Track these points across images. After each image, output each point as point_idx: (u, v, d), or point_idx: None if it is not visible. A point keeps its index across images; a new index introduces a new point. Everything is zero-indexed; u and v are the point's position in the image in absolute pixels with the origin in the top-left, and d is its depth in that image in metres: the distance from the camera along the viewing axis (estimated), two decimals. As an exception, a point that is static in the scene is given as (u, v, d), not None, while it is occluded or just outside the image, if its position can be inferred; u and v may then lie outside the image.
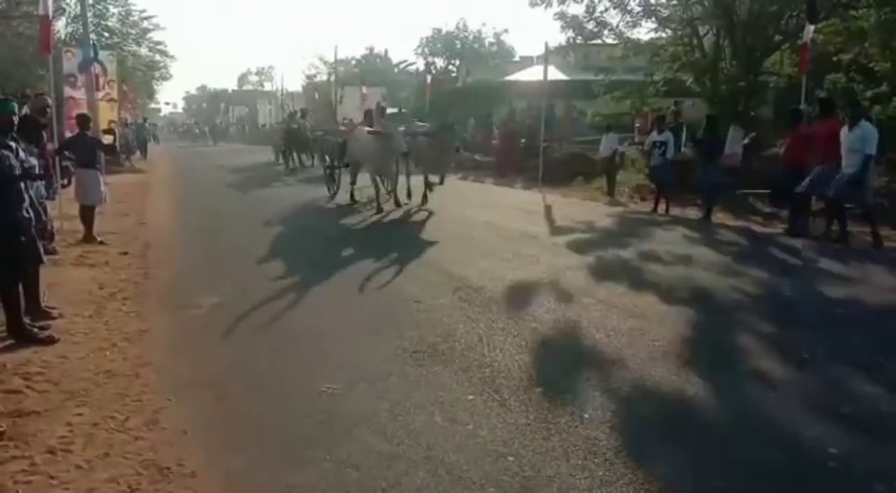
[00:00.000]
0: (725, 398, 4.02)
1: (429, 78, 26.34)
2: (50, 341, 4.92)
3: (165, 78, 35.80)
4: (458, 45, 49.16)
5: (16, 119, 5.21)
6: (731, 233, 10.08)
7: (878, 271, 7.40)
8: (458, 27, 49.87)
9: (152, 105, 55.60)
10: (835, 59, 14.68)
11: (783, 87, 15.63)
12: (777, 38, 15.65)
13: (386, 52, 57.33)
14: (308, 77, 57.68)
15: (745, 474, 3.17)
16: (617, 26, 17.72)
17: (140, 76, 32.19)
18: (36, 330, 5.02)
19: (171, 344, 5.06)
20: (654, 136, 12.59)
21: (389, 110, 17.62)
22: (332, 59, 45.19)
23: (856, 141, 8.66)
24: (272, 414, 3.84)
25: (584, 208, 12.96)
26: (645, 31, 18.36)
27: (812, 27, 12.33)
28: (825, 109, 9.87)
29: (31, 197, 5.12)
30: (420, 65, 45.60)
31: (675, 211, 12.05)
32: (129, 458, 3.31)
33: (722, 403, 3.97)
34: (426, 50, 49.20)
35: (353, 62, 55.14)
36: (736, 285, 6.71)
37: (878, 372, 4.38)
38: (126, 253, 8.28)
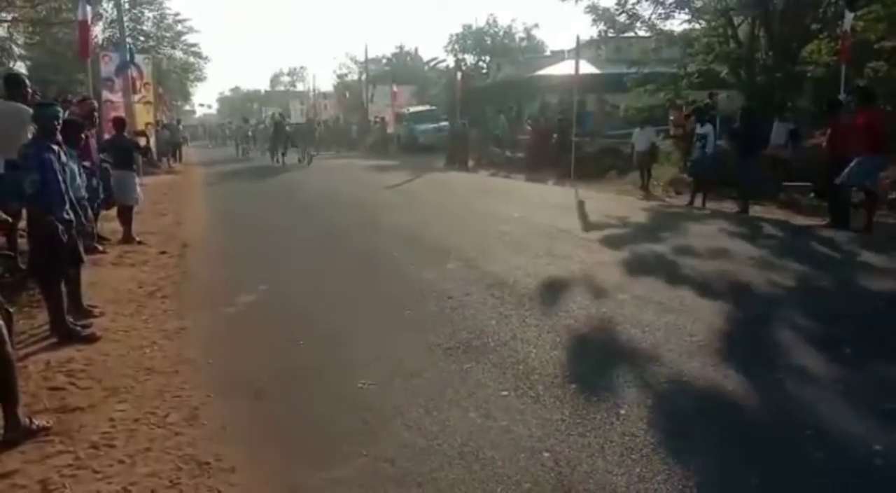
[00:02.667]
0: (763, 394, 3.94)
1: (459, 75, 26.23)
2: (92, 338, 5.03)
3: (200, 79, 36.43)
4: (489, 41, 48.98)
5: (59, 124, 5.32)
6: (770, 226, 9.89)
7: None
8: (488, 23, 49.70)
9: (187, 107, 56.34)
10: (876, 46, 14.31)
11: (821, 76, 15.29)
12: (815, 26, 15.30)
13: (416, 49, 57.47)
14: (339, 76, 58.04)
15: (785, 471, 3.11)
16: (649, 18, 17.53)
17: (175, 78, 32.74)
18: (79, 328, 5.15)
19: (210, 342, 5.14)
20: (698, 128, 12.37)
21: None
22: (362, 58, 45.35)
23: None
24: (309, 410, 3.88)
25: (619, 203, 12.83)
26: (678, 23, 18.13)
27: (851, 15, 12.04)
28: (865, 98, 9.62)
29: (71, 198, 5.24)
30: (450, 62, 45.48)
31: (712, 205, 11.86)
32: (170, 453, 3.38)
33: (760, 399, 3.90)
34: (456, 47, 49.13)
35: (384, 61, 55.29)
36: (773, 278, 6.58)
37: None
38: (164, 252, 8.43)
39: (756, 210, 11.05)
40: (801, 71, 15.67)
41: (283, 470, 3.24)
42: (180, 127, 33.26)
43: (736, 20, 16.47)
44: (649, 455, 3.23)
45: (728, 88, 17.17)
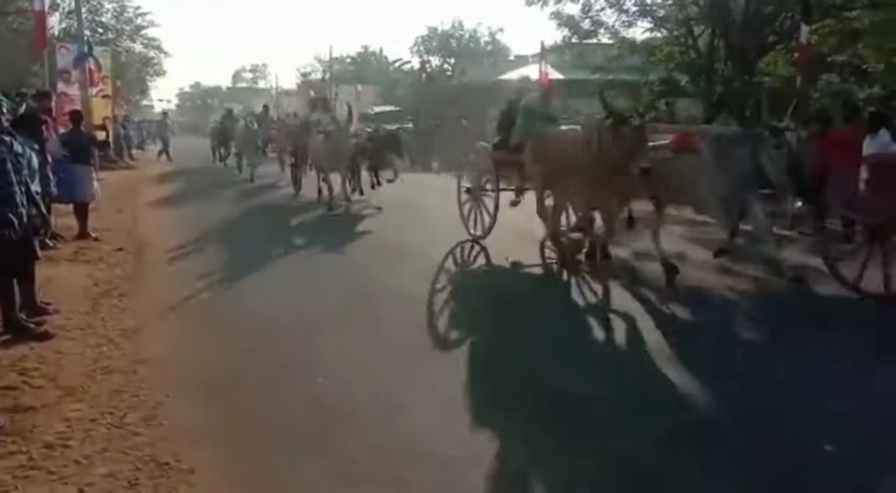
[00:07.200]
0: (740, 405, 3.92)
1: (424, 76, 26.28)
2: (46, 336, 4.89)
3: (159, 74, 35.76)
4: (454, 44, 49.04)
5: (2, 117, 5.11)
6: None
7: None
8: (453, 26, 49.75)
9: (145, 102, 54.92)
10: (829, 60, 14.77)
11: (778, 87, 15.71)
12: (771, 38, 15.72)
13: (381, 50, 57.25)
14: (303, 75, 57.56)
15: (760, 484, 3.14)
16: (612, 25, 17.84)
17: (134, 72, 32.09)
18: (32, 326, 5.01)
19: (167, 340, 5.06)
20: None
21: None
22: (326, 57, 45.05)
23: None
24: (269, 409, 3.85)
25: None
26: (640, 31, 18.46)
27: (807, 28, 12.38)
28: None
29: (30, 192, 5.09)
30: (415, 63, 45.52)
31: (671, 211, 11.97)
32: (128, 453, 3.31)
33: (736, 409, 3.89)
34: (422, 48, 49.10)
35: (349, 60, 54.98)
36: (752, 288, 6.61)
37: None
38: (121, 249, 8.26)
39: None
40: (758, 81, 16.07)
41: (243, 469, 3.22)
42: (169, 121, 29.62)
43: (696, 30, 16.83)
44: (614, 456, 3.28)
45: (688, 96, 17.50)
